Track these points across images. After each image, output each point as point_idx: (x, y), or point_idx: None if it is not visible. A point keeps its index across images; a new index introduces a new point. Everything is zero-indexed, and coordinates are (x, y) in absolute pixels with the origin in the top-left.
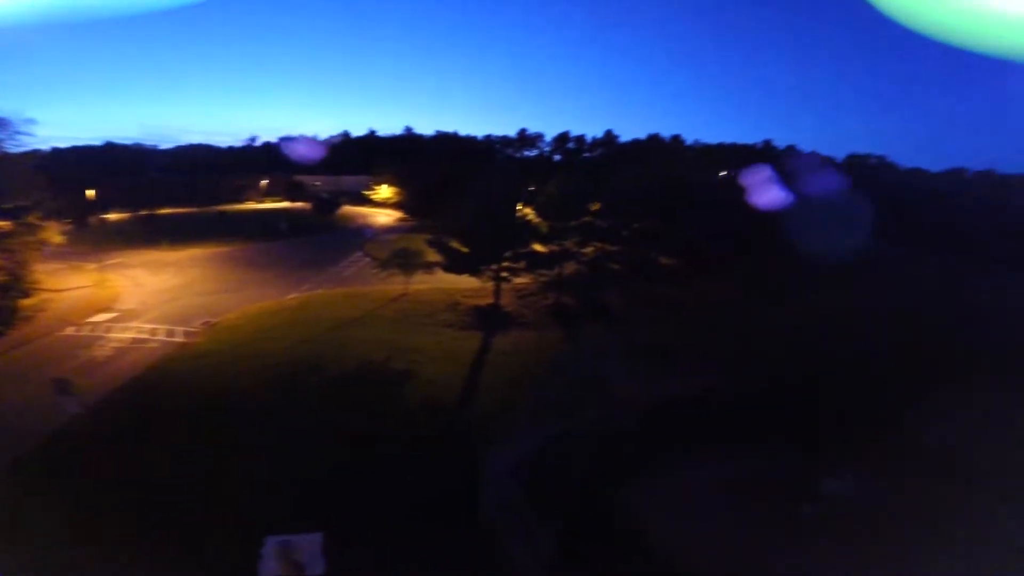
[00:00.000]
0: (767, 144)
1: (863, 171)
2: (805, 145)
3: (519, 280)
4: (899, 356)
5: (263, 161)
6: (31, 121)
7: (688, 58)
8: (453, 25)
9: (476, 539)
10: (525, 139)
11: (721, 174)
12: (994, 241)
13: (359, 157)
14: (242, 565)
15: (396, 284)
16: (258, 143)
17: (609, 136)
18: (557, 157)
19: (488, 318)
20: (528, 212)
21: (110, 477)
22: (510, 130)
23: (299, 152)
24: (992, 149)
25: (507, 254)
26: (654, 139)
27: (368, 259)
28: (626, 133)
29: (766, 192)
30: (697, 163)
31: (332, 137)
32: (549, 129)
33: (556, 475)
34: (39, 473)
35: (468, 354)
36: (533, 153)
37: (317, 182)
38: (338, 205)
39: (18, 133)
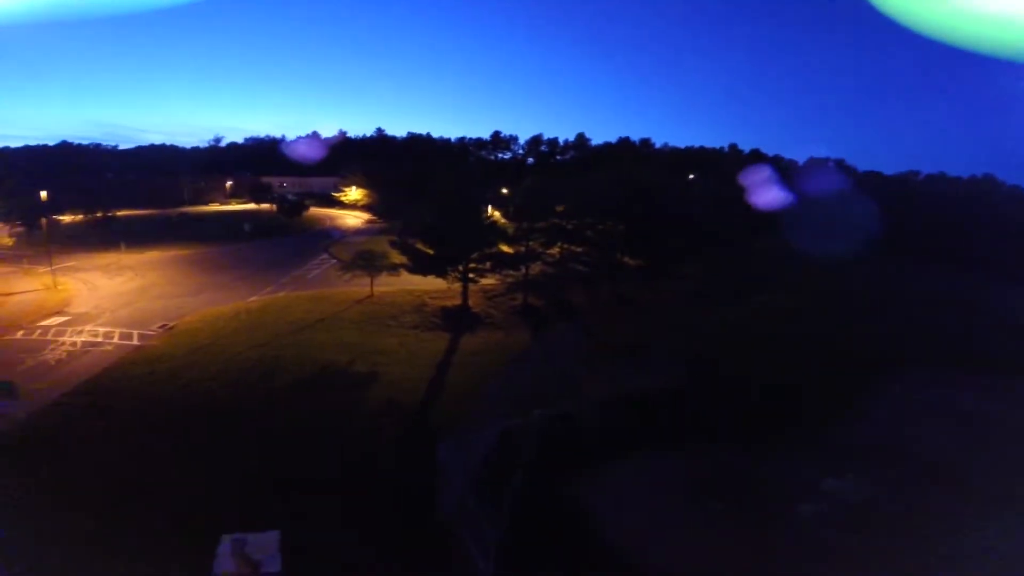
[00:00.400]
0: (733, 148)
1: (826, 174)
2: (769, 149)
3: (487, 281)
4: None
5: (229, 162)
6: None
7: (664, 62)
8: (429, 28)
9: (435, 535)
10: (499, 141)
11: (689, 177)
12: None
13: (329, 158)
14: (191, 564)
15: (362, 286)
16: (224, 144)
17: (581, 139)
18: (530, 160)
19: (455, 319)
20: (496, 214)
21: (51, 477)
22: (485, 133)
23: (266, 153)
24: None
25: (473, 255)
26: (624, 142)
27: (334, 261)
28: (599, 136)
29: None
30: (665, 166)
31: (300, 138)
32: (524, 133)
33: (509, 469)
34: None
35: (434, 355)
36: (507, 156)
37: (284, 183)
38: (305, 207)
39: None
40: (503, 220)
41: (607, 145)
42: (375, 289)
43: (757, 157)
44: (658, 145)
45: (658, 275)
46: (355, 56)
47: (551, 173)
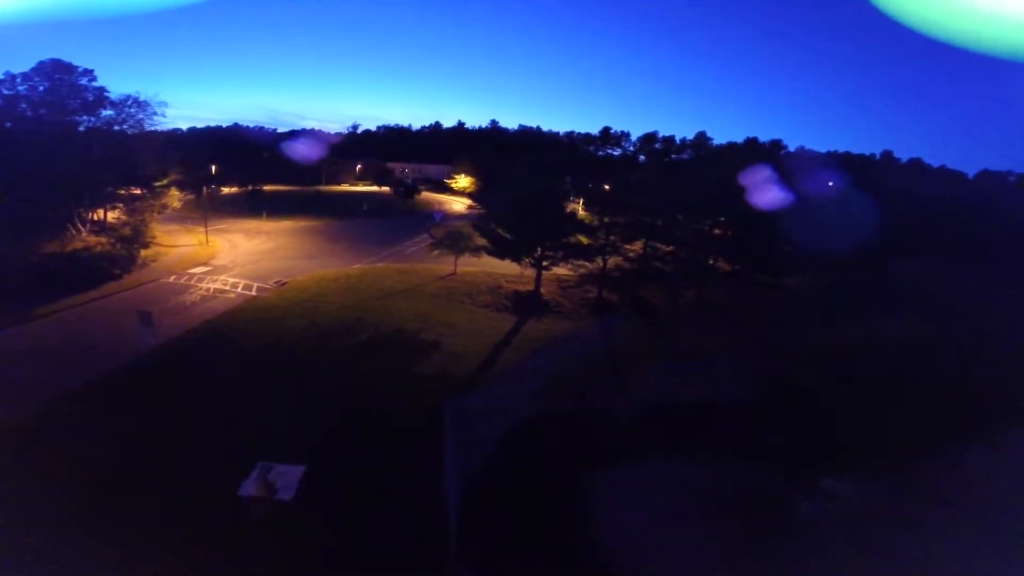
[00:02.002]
0: (887, 155)
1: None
2: (933, 159)
3: (564, 271)
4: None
5: (361, 148)
6: (164, 104)
7: (799, 62)
8: (549, 25)
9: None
10: (608, 137)
11: (829, 183)
12: None
13: (447, 147)
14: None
15: (449, 264)
16: (360, 131)
17: (701, 138)
18: (641, 158)
19: (525, 304)
20: (579, 207)
21: (168, 395)
22: (596, 129)
23: (394, 140)
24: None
25: (547, 243)
26: (751, 143)
27: (430, 240)
28: (725, 137)
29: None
30: (794, 170)
31: (424, 127)
32: (642, 131)
33: (528, 452)
34: (119, 388)
35: (496, 334)
36: (616, 152)
37: (405, 169)
38: (418, 191)
39: (154, 114)
40: (584, 212)
41: (731, 145)
42: (459, 268)
43: (918, 168)
44: (792, 148)
45: (757, 284)
46: (476, 52)
47: (663, 171)
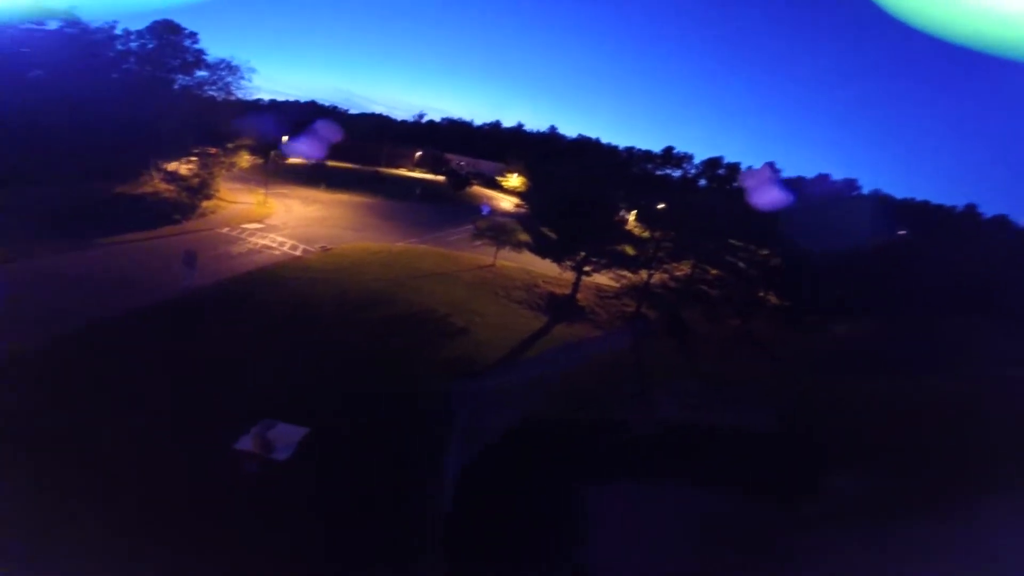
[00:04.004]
0: (970, 209)
1: None
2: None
3: (604, 280)
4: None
5: (424, 135)
6: (253, 70)
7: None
8: (615, 36)
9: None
10: (670, 156)
11: (899, 232)
12: None
13: (502, 145)
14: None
15: (487, 256)
16: (424, 120)
17: (768, 167)
18: (702, 182)
19: (559, 306)
20: (631, 220)
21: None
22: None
23: (454, 133)
24: None
25: (593, 248)
26: (822, 179)
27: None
28: (793, 169)
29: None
30: (863, 212)
31: (484, 124)
32: (703, 153)
33: (531, 450)
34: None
35: (524, 331)
36: (676, 173)
37: (461, 162)
38: (469, 184)
39: (242, 79)
40: (634, 224)
41: (799, 179)
42: (497, 261)
43: (1000, 224)
44: (865, 190)
45: (804, 324)
46: (543, 57)
47: (724, 196)
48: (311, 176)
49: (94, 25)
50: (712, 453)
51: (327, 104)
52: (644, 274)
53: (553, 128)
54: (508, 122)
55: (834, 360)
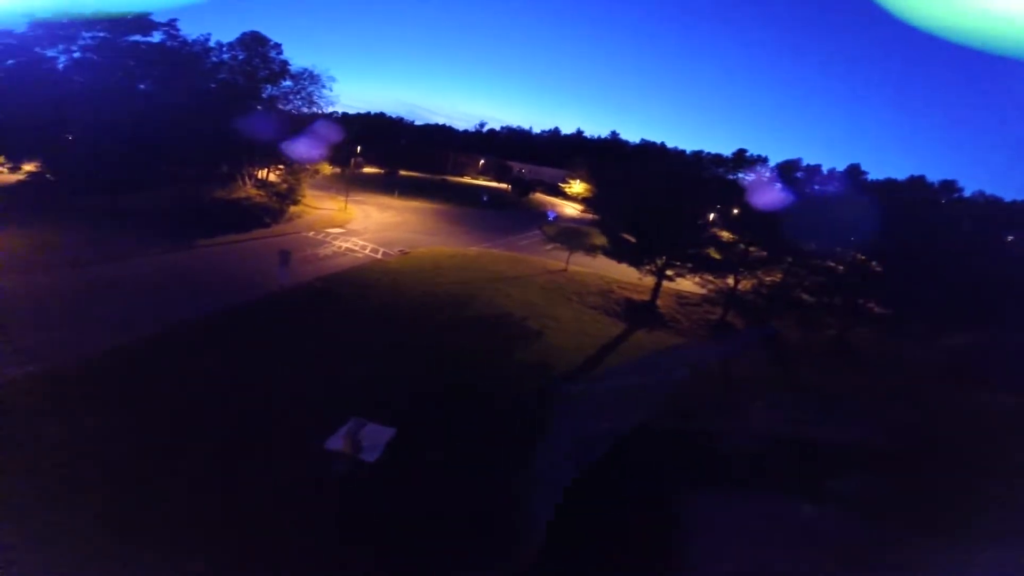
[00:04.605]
0: None
1: None
2: None
3: (687, 286)
4: None
5: (486, 144)
6: (333, 79)
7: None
8: (677, 41)
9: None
10: (741, 160)
11: (1008, 239)
12: None
13: (564, 152)
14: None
15: (559, 261)
16: (485, 129)
17: (854, 171)
18: (779, 186)
19: (637, 312)
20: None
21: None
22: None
23: (515, 141)
24: None
25: (676, 252)
26: (917, 181)
27: (542, 236)
28: (880, 171)
29: None
30: (966, 217)
31: (544, 131)
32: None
33: (636, 462)
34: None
35: (602, 337)
36: (750, 177)
37: (523, 169)
38: (533, 191)
39: (323, 87)
40: (722, 231)
41: (889, 182)
42: (570, 266)
43: None
44: (968, 192)
45: (909, 334)
46: (602, 63)
47: (806, 200)
48: (384, 184)
49: (191, 38)
50: (825, 468)
51: (394, 116)
52: (731, 279)
53: (615, 133)
54: (567, 129)
55: (947, 372)
